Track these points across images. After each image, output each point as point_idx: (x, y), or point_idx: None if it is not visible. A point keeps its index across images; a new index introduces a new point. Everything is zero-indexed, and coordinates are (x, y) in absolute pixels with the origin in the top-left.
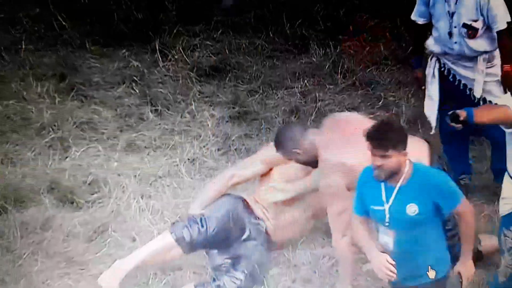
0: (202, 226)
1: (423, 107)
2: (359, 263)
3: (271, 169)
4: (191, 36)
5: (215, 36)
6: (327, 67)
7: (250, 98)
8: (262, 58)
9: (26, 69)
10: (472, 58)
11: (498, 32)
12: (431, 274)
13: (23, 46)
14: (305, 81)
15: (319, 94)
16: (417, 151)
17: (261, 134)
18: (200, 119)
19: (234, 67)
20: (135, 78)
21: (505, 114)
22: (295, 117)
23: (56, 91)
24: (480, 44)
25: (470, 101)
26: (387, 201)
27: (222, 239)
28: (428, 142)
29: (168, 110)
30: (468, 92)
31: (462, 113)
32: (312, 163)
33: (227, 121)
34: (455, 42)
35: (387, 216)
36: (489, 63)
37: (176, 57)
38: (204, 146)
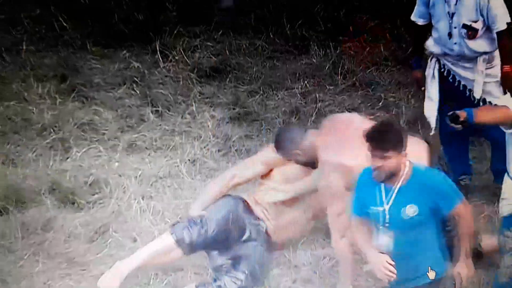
0: (202, 227)
1: (423, 108)
2: (359, 264)
3: (271, 170)
4: (191, 37)
5: (215, 37)
6: (327, 68)
7: (250, 99)
8: (263, 59)
9: (27, 70)
10: (471, 59)
11: (498, 33)
12: (431, 274)
13: (24, 47)
14: (306, 82)
15: (319, 95)
16: (417, 151)
17: (262, 135)
18: (201, 120)
19: (234, 68)
20: (135, 79)
21: (505, 115)
22: (295, 118)
23: (57, 92)
24: (480, 44)
25: (470, 102)
26: (387, 202)
27: (222, 240)
28: (427, 142)
29: (169, 111)
30: (467, 93)
31: (462, 114)
32: (312, 163)
33: (227, 122)
34: (455, 43)
35: (387, 217)
36: (488, 64)
37: (176, 58)
38: (204, 147)
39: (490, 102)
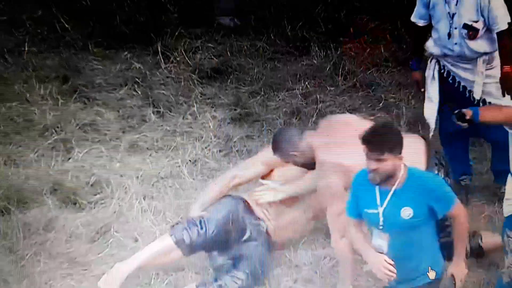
0: (202, 228)
1: (423, 109)
2: (359, 264)
3: (272, 170)
4: (192, 38)
5: (216, 38)
6: (328, 69)
7: (251, 100)
8: (264, 60)
9: (29, 71)
10: (471, 59)
11: (498, 33)
12: (432, 274)
13: (26, 49)
14: (306, 83)
15: (320, 96)
16: (414, 147)
17: (263, 136)
18: (202, 120)
19: (235, 69)
20: (137, 80)
21: (510, 115)
22: (296, 118)
23: (59, 93)
24: (480, 45)
25: (470, 103)
26: (381, 204)
27: (223, 241)
28: (424, 138)
29: (170, 111)
30: (467, 94)
31: (468, 112)
32: (310, 165)
33: (228, 123)
34: (456, 43)
35: (381, 219)
36: (488, 65)
37: (178, 59)
38: (205, 147)
39: (489, 103)
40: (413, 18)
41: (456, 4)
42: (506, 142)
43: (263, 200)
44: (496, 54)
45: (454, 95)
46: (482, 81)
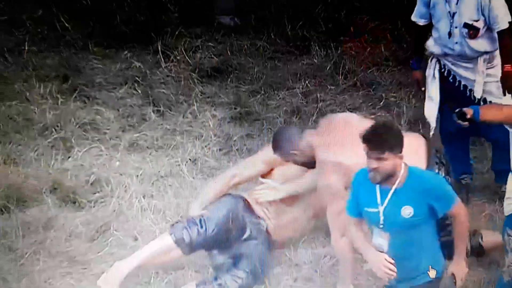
0: (202, 227)
1: (424, 108)
2: (359, 263)
3: (272, 169)
4: (193, 38)
5: (216, 37)
6: (328, 68)
7: (251, 99)
8: (264, 59)
9: (29, 70)
10: (472, 59)
11: (499, 32)
12: (432, 273)
13: (26, 48)
14: (307, 82)
15: (321, 95)
16: (415, 145)
17: (263, 135)
18: (202, 119)
19: (235, 68)
20: (137, 79)
21: (511, 114)
22: (296, 117)
23: (59, 92)
24: (481, 44)
25: (470, 102)
26: (382, 203)
27: (222, 239)
28: (424, 137)
29: (170, 110)
30: (468, 93)
31: (469, 111)
32: (310, 163)
33: (228, 122)
34: (456, 43)
35: (381, 218)
36: (489, 64)
37: (178, 58)
38: (205, 146)
39: (490, 102)
40: (413, 18)
41: (457, 3)
42: (506, 141)
43: (263, 199)
44: (497, 53)
45: (455, 94)
46: (483, 80)
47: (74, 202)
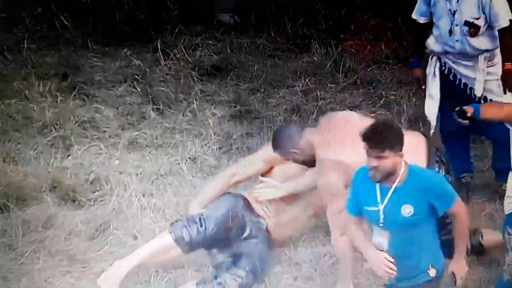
0: (201, 225)
1: (424, 106)
2: (360, 261)
3: (272, 168)
4: (192, 35)
5: (216, 35)
6: (328, 66)
7: (251, 97)
8: (264, 57)
9: (28, 68)
10: (472, 57)
11: (499, 30)
12: (432, 272)
13: (26, 46)
14: (307, 80)
15: (321, 93)
16: (415, 143)
17: (263, 133)
18: (202, 117)
19: (235, 66)
20: (136, 77)
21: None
22: (296, 115)
23: (58, 90)
24: (481, 42)
25: (471, 100)
26: (382, 202)
27: (222, 239)
28: (425, 135)
29: (170, 108)
30: (468, 91)
31: (470, 109)
32: (310, 162)
33: (228, 120)
34: (457, 40)
35: (381, 216)
36: (489, 62)
37: (177, 56)
38: (205, 145)
39: (491, 100)
40: (414, 15)
41: (457, 1)
42: (507, 139)
43: (263, 197)
44: (497, 51)
45: (455, 92)
46: (483, 78)
47: (74, 201)
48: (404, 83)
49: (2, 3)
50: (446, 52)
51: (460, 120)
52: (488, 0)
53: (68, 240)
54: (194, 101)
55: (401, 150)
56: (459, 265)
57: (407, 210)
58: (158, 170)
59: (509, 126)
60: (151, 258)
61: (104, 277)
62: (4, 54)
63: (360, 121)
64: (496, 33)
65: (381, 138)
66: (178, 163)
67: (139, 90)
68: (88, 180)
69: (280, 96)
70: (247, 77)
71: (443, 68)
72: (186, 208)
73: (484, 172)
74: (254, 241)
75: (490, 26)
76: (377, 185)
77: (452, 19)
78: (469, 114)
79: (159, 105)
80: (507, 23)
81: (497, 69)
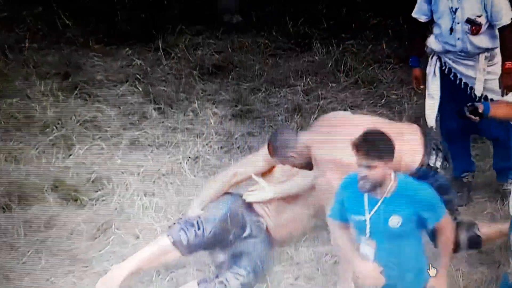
0: (199, 228)
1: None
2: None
3: (273, 167)
4: (194, 35)
5: (218, 34)
6: (329, 65)
7: (252, 96)
8: (265, 57)
9: (29, 67)
10: (473, 55)
11: (500, 29)
12: (432, 272)
13: (27, 45)
14: (308, 79)
15: (322, 92)
16: (410, 132)
17: (264, 132)
18: (203, 117)
19: (236, 65)
20: (138, 76)
21: None
22: (297, 115)
23: (60, 89)
24: (482, 40)
25: (471, 100)
26: (369, 211)
27: (220, 240)
28: (419, 125)
29: (171, 108)
30: (469, 91)
31: (481, 106)
32: (308, 165)
33: (230, 119)
34: (458, 39)
35: (368, 226)
36: (490, 62)
37: (179, 55)
38: (207, 144)
39: (491, 99)
40: (414, 14)
41: None
42: (507, 140)
43: (250, 199)
44: (498, 50)
45: (455, 91)
46: (484, 77)
47: (76, 200)
48: (406, 82)
49: (3, 2)
50: (446, 51)
51: (471, 116)
52: None
53: (70, 239)
54: (196, 101)
55: (391, 160)
56: (440, 281)
57: (395, 221)
58: (160, 169)
59: None
60: (149, 262)
61: (102, 282)
62: (6, 53)
63: (356, 121)
64: (497, 32)
65: (371, 148)
66: (180, 163)
67: (140, 89)
68: (90, 180)
69: (281, 96)
70: (248, 77)
71: (443, 67)
72: (187, 207)
73: (486, 171)
74: (254, 241)
75: (491, 25)
76: (366, 194)
77: (453, 17)
78: (480, 111)
79: (161, 105)
80: (508, 21)
81: (497, 69)
